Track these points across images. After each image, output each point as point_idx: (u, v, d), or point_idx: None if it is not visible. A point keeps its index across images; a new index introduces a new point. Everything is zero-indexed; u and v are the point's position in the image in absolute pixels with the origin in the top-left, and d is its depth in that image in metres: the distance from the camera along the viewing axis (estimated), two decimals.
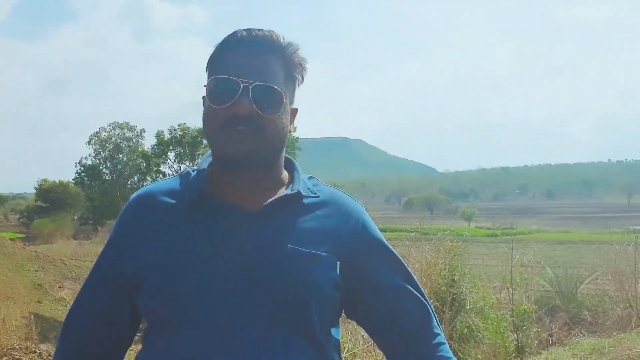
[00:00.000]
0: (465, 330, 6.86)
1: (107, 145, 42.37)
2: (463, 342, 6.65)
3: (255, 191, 1.15)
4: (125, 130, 42.69)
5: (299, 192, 1.16)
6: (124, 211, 1.23)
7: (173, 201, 1.17)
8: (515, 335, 6.85)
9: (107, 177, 42.47)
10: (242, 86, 1.10)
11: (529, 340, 6.94)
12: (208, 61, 1.18)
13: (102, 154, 42.53)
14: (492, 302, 7.54)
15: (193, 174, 1.22)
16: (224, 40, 1.16)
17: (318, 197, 1.21)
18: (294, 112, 1.22)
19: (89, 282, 1.25)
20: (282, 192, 1.18)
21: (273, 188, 1.18)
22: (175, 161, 23.54)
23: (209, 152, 1.25)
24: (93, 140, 42.39)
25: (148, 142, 38.53)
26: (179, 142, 22.76)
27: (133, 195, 1.25)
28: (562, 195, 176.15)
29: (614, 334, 7.22)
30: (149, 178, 30.81)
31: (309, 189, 1.20)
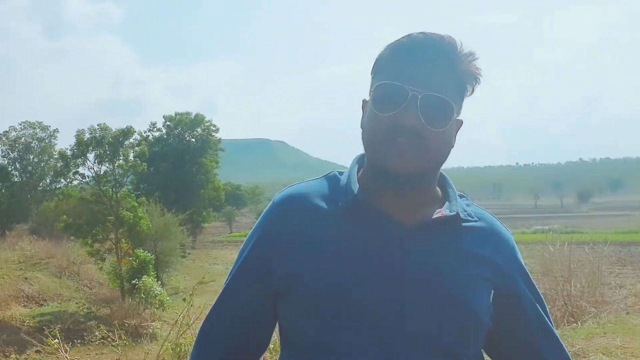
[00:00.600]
0: None
1: (17, 145, 40.03)
2: None
3: (410, 205, 1.07)
4: (38, 130, 40.56)
5: (457, 213, 1.08)
6: (272, 211, 1.14)
7: (325, 205, 1.09)
8: None
9: (16, 179, 40.11)
10: (410, 95, 1.00)
11: None
12: (375, 64, 1.09)
13: (11, 155, 40.14)
14: None
15: (341, 177, 1.14)
16: (395, 43, 1.06)
17: (475, 221, 1.12)
18: (459, 124, 1.11)
19: (233, 286, 1.16)
20: (437, 209, 1.09)
21: (427, 204, 1.10)
22: (95, 162, 22.53)
23: (358, 155, 1.18)
24: (2, 140, 39.91)
25: (62, 143, 36.87)
26: (99, 142, 21.82)
27: (280, 195, 1.16)
28: (474, 196, 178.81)
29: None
30: (63, 180, 29.37)
31: (464, 210, 1.11)
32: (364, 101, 1.11)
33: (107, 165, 22.67)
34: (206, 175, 43.78)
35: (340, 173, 1.16)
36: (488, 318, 1.07)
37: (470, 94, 1.09)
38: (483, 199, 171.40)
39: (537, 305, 1.16)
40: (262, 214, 1.17)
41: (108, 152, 22.15)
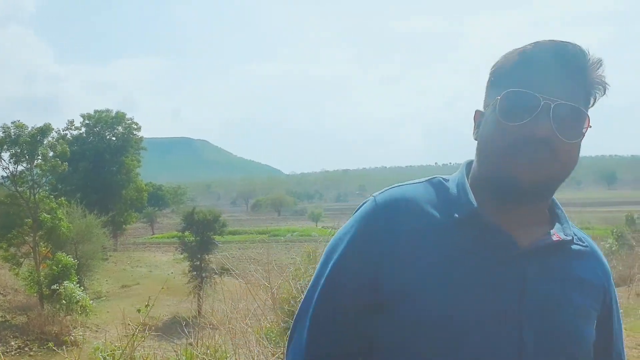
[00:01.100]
0: None
1: None
2: None
3: (525, 224, 1.00)
4: None
5: (573, 238, 1.02)
6: (374, 214, 1.03)
7: (437, 214, 1.00)
8: None
9: None
10: (542, 103, 0.93)
11: None
12: (495, 73, 1.03)
13: None
14: None
15: (449, 185, 1.05)
16: (521, 50, 0.99)
17: (586, 246, 1.06)
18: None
19: (326, 295, 1.03)
20: (548, 230, 1.02)
21: (540, 223, 1.03)
22: (10, 162, 21.25)
23: (465, 162, 1.10)
24: None
25: None
26: (15, 141, 20.61)
27: (383, 197, 1.05)
28: None
29: None
30: None
31: (575, 234, 1.04)
32: (478, 112, 1.07)
33: (24, 165, 21.47)
34: (128, 175, 42.38)
35: (445, 180, 1.08)
36: (592, 350, 1.02)
37: (592, 105, 1.01)
38: None
39: (621, 333, 1.13)
40: (357, 216, 1.06)
41: (25, 152, 20.98)
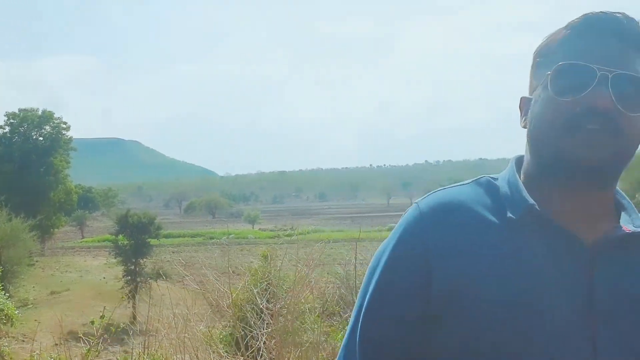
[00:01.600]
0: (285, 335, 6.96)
1: None
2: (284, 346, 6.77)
3: (589, 216, 0.91)
4: None
5: None
6: (422, 218, 0.94)
7: (488, 215, 0.92)
8: None
9: None
10: (599, 74, 0.85)
11: None
12: (541, 50, 0.96)
13: None
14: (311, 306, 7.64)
15: (499, 184, 0.97)
16: (571, 24, 0.92)
17: None
18: None
19: (373, 315, 0.96)
20: (616, 222, 0.93)
21: (606, 215, 0.94)
22: None
23: (514, 157, 1.02)
24: None
25: None
26: None
27: (427, 203, 0.96)
28: (332, 197, 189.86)
29: None
30: None
31: None
32: (524, 99, 0.99)
33: None
34: (56, 177, 40.71)
35: (494, 178, 0.99)
36: None
37: None
38: (341, 199, 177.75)
39: None
40: (399, 224, 0.98)
41: None
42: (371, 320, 0.96)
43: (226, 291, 6.45)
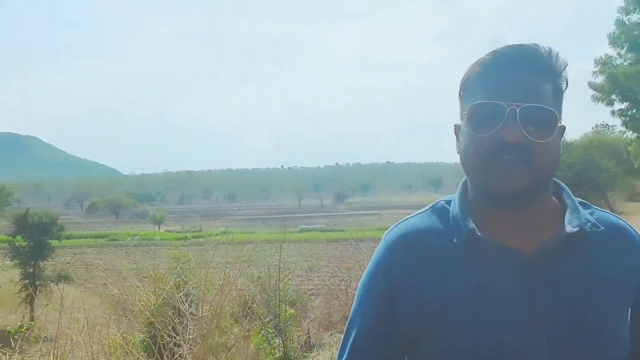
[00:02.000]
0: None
1: None
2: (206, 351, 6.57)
3: (527, 228, 1.00)
4: None
5: (581, 229, 0.98)
6: (387, 253, 1.08)
7: (440, 243, 1.03)
8: (281, 341, 6.95)
9: None
10: (508, 109, 0.95)
11: (294, 344, 7.12)
12: (462, 86, 1.05)
13: None
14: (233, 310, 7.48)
15: (450, 208, 1.07)
16: (481, 61, 1.02)
17: (601, 230, 1.01)
18: (563, 130, 1.02)
19: (360, 336, 1.09)
20: (558, 226, 1.01)
21: (546, 222, 1.02)
22: None
23: (462, 180, 1.10)
24: None
25: None
26: None
27: (392, 236, 1.10)
28: (242, 198, 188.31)
29: None
30: None
31: (587, 221, 1.01)
32: (456, 126, 1.08)
33: None
34: None
35: (447, 202, 1.10)
36: (627, 342, 0.99)
37: (565, 91, 1.04)
38: (251, 200, 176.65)
39: None
40: (376, 255, 1.12)
41: None
42: (360, 342, 1.10)
43: (142, 295, 6.15)
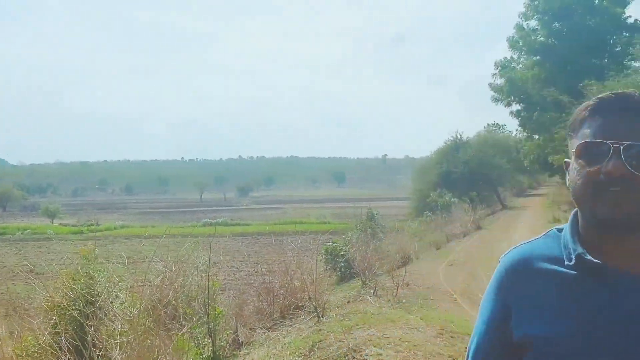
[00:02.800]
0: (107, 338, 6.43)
1: None
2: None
3: (633, 252, 1.13)
4: None
5: None
6: (503, 274, 1.27)
7: (552, 266, 1.19)
8: (210, 341, 6.71)
9: None
10: (612, 147, 1.10)
11: (222, 343, 6.90)
12: (571, 125, 1.23)
13: None
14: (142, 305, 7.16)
15: (562, 235, 1.24)
16: (588, 105, 1.19)
17: None
18: None
19: (480, 347, 1.30)
20: None
21: None
22: None
23: (573, 211, 1.25)
24: None
25: None
26: None
27: (508, 258, 1.28)
28: (140, 190, 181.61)
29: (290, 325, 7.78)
30: None
31: None
32: (566, 162, 1.25)
33: None
34: None
35: (559, 230, 1.26)
36: None
37: None
38: (150, 193, 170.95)
39: None
40: (494, 276, 1.30)
41: None
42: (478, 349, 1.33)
43: (45, 296, 5.73)
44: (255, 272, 16.90)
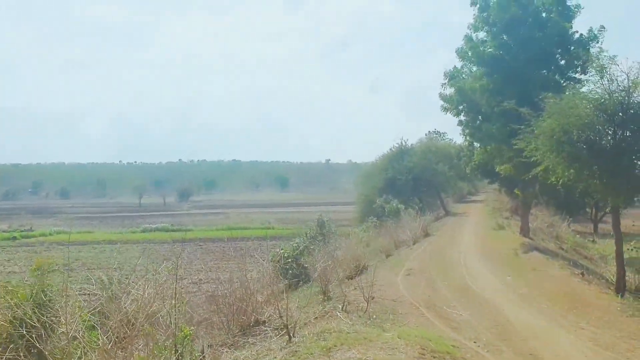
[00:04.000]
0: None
1: None
2: None
3: None
4: None
5: None
6: None
7: None
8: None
9: None
10: None
11: None
12: None
13: None
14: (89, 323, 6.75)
15: None
16: None
17: None
18: None
19: None
20: None
21: None
22: None
23: None
24: None
25: None
26: None
27: None
28: (76, 194, 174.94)
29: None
30: None
31: None
32: None
33: None
34: None
35: None
36: None
37: None
38: (86, 197, 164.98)
39: None
40: None
41: None
42: None
43: None
44: (200, 280, 16.43)
